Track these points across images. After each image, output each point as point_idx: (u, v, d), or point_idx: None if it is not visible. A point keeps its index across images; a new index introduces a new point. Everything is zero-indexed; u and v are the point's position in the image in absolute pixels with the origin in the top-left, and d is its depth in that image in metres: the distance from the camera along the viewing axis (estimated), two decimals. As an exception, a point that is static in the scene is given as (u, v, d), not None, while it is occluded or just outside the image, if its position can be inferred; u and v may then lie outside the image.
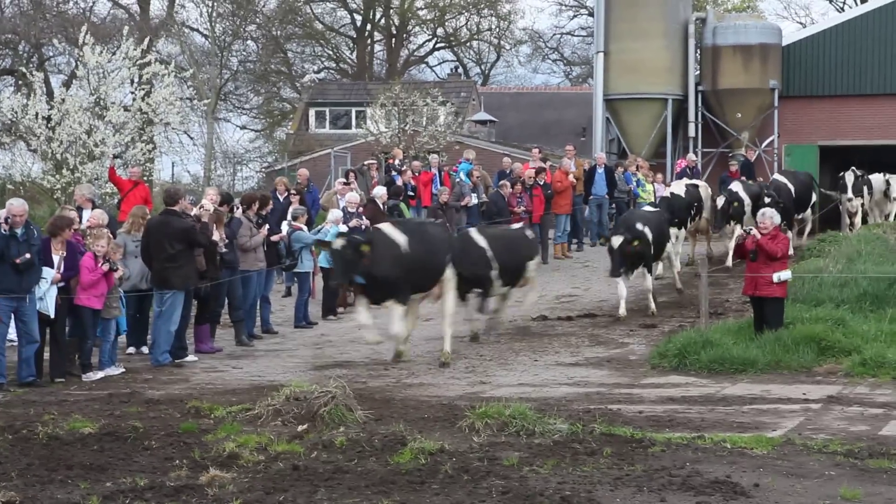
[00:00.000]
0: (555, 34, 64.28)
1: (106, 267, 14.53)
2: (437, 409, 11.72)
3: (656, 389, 13.20)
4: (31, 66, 38.50)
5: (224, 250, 16.42)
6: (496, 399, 11.57)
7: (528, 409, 10.77)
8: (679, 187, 23.48)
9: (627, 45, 33.23)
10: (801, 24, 59.85)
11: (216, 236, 16.13)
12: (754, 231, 15.13)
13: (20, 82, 38.76)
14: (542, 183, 24.66)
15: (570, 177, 25.66)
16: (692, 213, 23.10)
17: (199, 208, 16.36)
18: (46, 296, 14.09)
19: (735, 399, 12.46)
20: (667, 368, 14.41)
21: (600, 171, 26.99)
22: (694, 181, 24.76)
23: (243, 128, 57.45)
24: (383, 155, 32.03)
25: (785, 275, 15.09)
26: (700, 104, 33.75)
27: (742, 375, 13.86)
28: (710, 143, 33.93)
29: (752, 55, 33.06)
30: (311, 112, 47.01)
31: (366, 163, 26.95)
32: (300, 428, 10.55)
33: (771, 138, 33.31)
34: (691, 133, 33.66)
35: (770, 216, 15.39)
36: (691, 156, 31.13)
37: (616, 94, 33.63)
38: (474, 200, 23.22)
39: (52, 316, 14.18)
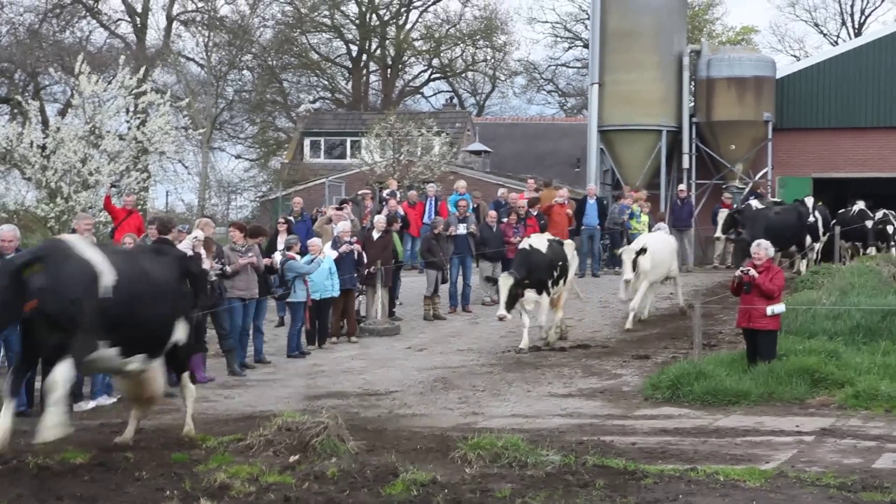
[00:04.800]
0: (550, 65, 64.74)
1: None
2: (430, 439, 11.69)
3: (649, 421, 13.18)
4: (26, 94, 38.55)
5: (213, 278, 16.43)
6: (489, 430, 11.53)
7: (520, 441, 10.74)
8: (541, 241, 19.78)
9: (622, 76, 33.27)
10: (795, 56, 60.29)
11: (206, 265, 16.15)
12: (752, 271, 15.04)
13: (15, 111, 38.80)
14: (535, 213, 24.70)
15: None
16: (554, 274, 19.37)
17: (193, 238, 16.38)
18: None
19: (728, 431, 12.45)
20: (660, 400, 14.39)
21: (591, 202, 27.11)
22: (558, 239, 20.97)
23: (238, 157, 57.65)
24: (378, 185, 32.11)
25: (779, 308, 15.08)
26: (694, 136, 33.76)
27: (735, 407, 13.84)
28: (704, 174, 33.95)
29: (747, 88, 33.13)
30: (307, 142, 47.13)
31: (360, 192, 27.00)
32: (292, 458, 10.50)
33: (765, 170, 33.35)
34: (685, 164, 33.65)
35: (765, 247, 15.37)
36: (682, 187, 31.25)
37: (610, 125, 33.66)
38: (461, 230, 23.21)
39: None
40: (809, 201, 26.60)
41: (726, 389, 14.20)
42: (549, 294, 19.16)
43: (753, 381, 14.46)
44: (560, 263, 19.55)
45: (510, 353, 18.42)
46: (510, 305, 18.38)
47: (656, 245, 21.21)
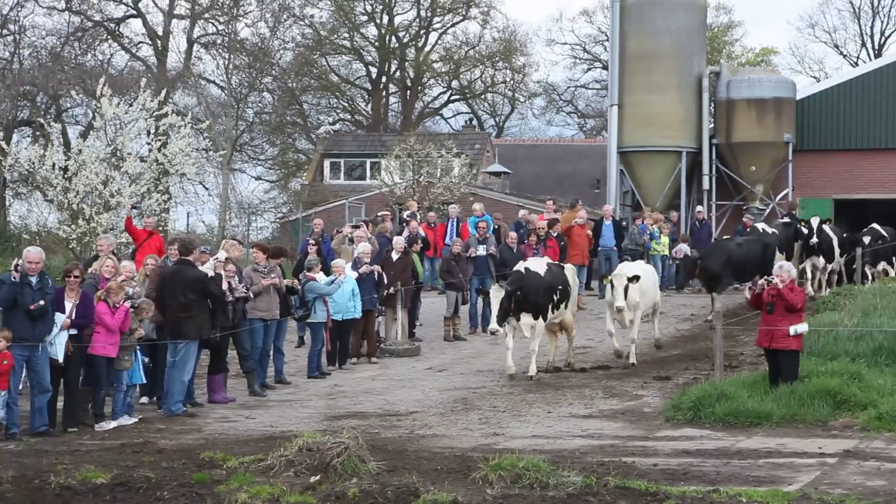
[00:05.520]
0: (569, 87, 64.86)
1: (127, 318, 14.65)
2: (451, 460, 11.69)
3: (671, 442, 13.14)
4: (48, 117, 38.80)
5: (231, 298, 16.50)
6: (509, 451, 11.54)
7: (541, 462, 10.74)
8: (538, 265, 19.14)
9: (641, 98, 33.40)
10: (815, 78, 60.17)
11: (226, 285, 16.25)
12: (775, 280, 15.03)
13: (38, 133, 39.17)
14: (555, 234, 24.71)
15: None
16: (554, 298, 18.69)
17: (214, 259, 16.46)
18: (56, 341, 14.16)
19: (750, 452, 12.39)
20: (681, 421, 14.34)
21: (607, 223, 27.11)
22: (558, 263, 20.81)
23: (258, 178, 57.84)
24: (397, 206, 32.17)
25: (801, 327, 15.03)
26: (714, 157, 33.83)
27: (757, 429, 13.78)
28: (724, 195, 33.99)
29: (767, 109, 33.18)
30: (326, 163, 47.32)
31: (380, 214, 27.07)
32: (313, 479, 10.53)
33: (785, 191, 33.31)
34: (705, 186, 33.72)
35: (787, 269, 15.34)
36: (700, 209, 31.21)
37: (630, 146, 33.76)
38: (481, 251, 23.23)
39: (62, 361, 14.21)
40: (815, 221, 26.31)
41: (748, 411, 14.14)
42: (545, 319, 18.52)
43: (775, 402, 14.39)
44: (560, 288, 18.84)
45: (533, 378, 18.23)
46: (502, 319, 17.76)
47: (642, 274, 19.70)
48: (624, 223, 29.00)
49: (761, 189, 33.33)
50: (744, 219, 30.65)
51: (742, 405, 14.26)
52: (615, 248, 27.09)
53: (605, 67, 51.41)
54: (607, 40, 45.65)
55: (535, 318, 18.32)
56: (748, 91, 33.32)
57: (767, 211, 32.20)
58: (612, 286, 18.91)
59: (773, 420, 13.98)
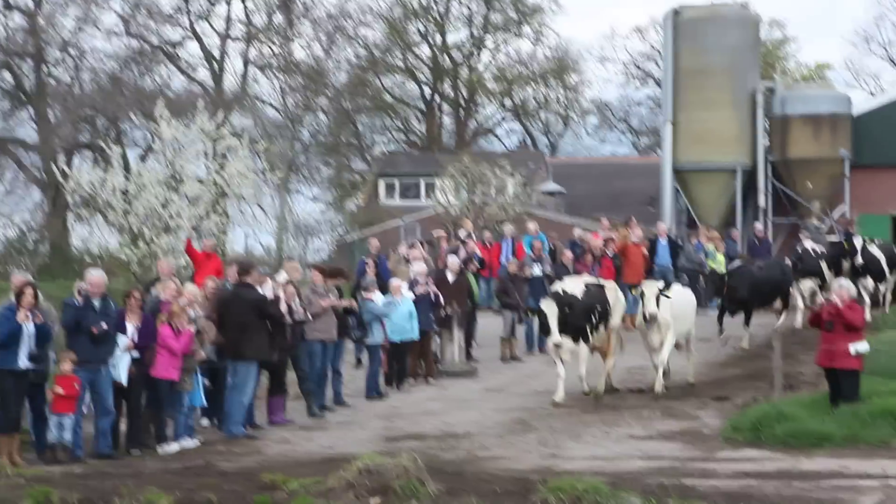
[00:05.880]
0: (622, 104, 64.73)
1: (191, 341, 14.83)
2: (509, 482, 11.74)
3: (731, 464, 13.12)
4: (108, 140, 39.28)
5: (290, 321, 16.61)
6: (568, 472, 11.66)
7: (601, 483, 10.83)
8: (575, 285, 18.63)
9: (696, 115, 33.41)
10: (870, 93, 59.62)
11: (285, 307, 16.38)
12: (834, 298, 14.99)
13: (98, 156, 39.63)
14: (611, 253, 24.65)
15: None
16: (593, 320, 18.28)
17: (274, 282, 16.63)
18: (119, 363, 14.39)
19: (812, 474, 12.38)
20: (740, 442, 14.34)
21: (663, 241, 26.99)
22: (600, 281, 19.83)
23: (314, 199, 58.19)
24: (452, 226, 32.29)
25: (862, 346, 14.97)
26: (770, 174, 33.69)
27: (818, 450, 13.73)
28: (780, 212, 33.86)
29: (822, 125, 33.05)
30: (381, 183, 47.67)
31: (435, 234, 27.19)
32: (373, 501, 10.65)
33: (842, 208, 33.05)
34: (761, 203, 33.63)
35: (847, 287, 15.26)
36: (759, 226, 31.03)
37: (685, 163, 33.75)
38: (536, 271, 23.26)
39: (125, 383, 14.42)
40: (858, 241, 25.88)
41: (809, 431, 14.10)
42: (587, 342, 18.10)
43: (836, 423, 14.33)
44: (599, 309, 18.30)
45: (588, 395, 18.30)
46: (562, 329, 17.48)
47: (677, 296, 18.98)
48: (679, 241, 28.90)
49: (818, 206, 33.15)
50: (801, 235, 30.41)
51: (802, 426, 14.23)
52: (671, 267, 27.01)
53: (658, 84, 51.40)
54: (660, 57, 45.62)
55: (576, 341, 17.92)
56: (803, 107, 33.24)
57: (825, 228, 31.93)
58: (644, 295, 18.25)
59: (834, 441, 13.93)
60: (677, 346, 19.03)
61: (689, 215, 34.19)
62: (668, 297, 18.15)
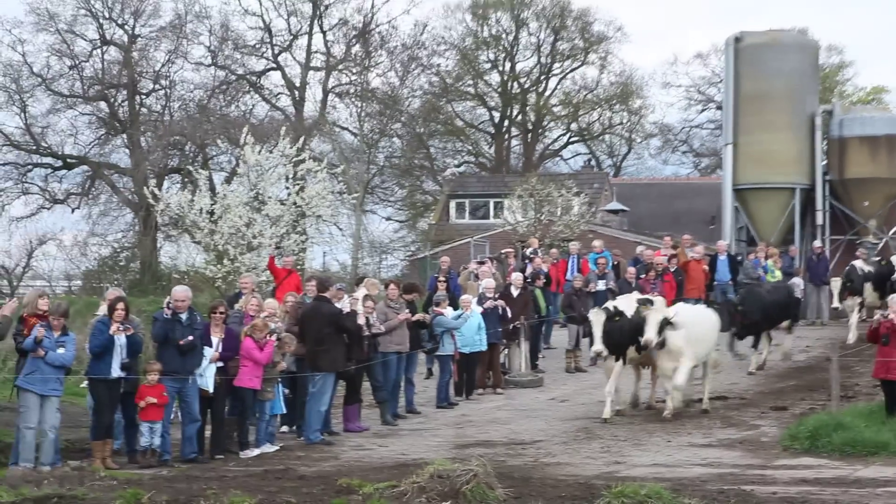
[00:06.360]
0: (684, 127, 64.66)
1: (273, 352, 15.42)
2: (574, 487, 11.91)
3: (789, 471, 13.22)
4: (196, 164, 40.20)
5: (368, 333, 17.19)
6: (631, 479, 11.84)
7: (663, 489, 10.98)
8: (627, 304, 18.16)
9: (755, 137, 33.88)
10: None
11: (364, 321, 17.04)
12: (891, 314, 15.41)
13: (186, 180, 40.69)
14: (672, 269, 24.90)
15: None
16: (640, 340, 17.65)
17: (351, 297, 17.39)
18: (206, 373, 14.86)
19: (868, 481, 12.42)
20: (798, 450, 14.40)
21: (722, 258, 27.47)
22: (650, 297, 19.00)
23: (388, 219, 58.59)
24: (520, 243, 32.96)
25: (917, 359, 15.02)
26: (827, 193, 34.05)
27: (874, 458, 13.81)
28: (837, 230, 34.20)
29: (879, 146, 33.41)
30: (452, 203, 47.96)
31: (503, 251, 27.60)
32: (443, 505, 10.91)
33: (899, 226, 33.57)
34: (819, 221, 33.93)
35: None
36: (817, 243, 31.39)
37: (745, 183, 34.21)
38: (600, 286, 23.72)
39: (211, 392, 14.84)
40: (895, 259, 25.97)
41: (865, 440, 14.16)
42: (624, 361, 17.70)
43: (893, 432, 14.43)
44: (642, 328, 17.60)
45: (607, 421, 17.57)
46: (605, 340, 17.22)
47: (697, 319, 18.35)
48: (739, 258, 29.54)
49: (874, 224, 33.56)
50: (857, 252, 31.03)
51: (859, 435, 14.28)
52: (731, 283, 27.66)
53: (719, 108, 51.66)
54: (721, 82, 46.09)
55: (617, 359, 17.64)
56: (860, 129, 33.64)
57: (881, 245, 32.54)
58: (646, 321, 17.48)
59: (890, 450, 13.99)
60: (696, 367, 18.28)
61: (749, 233, 34.63)
62: (671, 324, 17.41)
